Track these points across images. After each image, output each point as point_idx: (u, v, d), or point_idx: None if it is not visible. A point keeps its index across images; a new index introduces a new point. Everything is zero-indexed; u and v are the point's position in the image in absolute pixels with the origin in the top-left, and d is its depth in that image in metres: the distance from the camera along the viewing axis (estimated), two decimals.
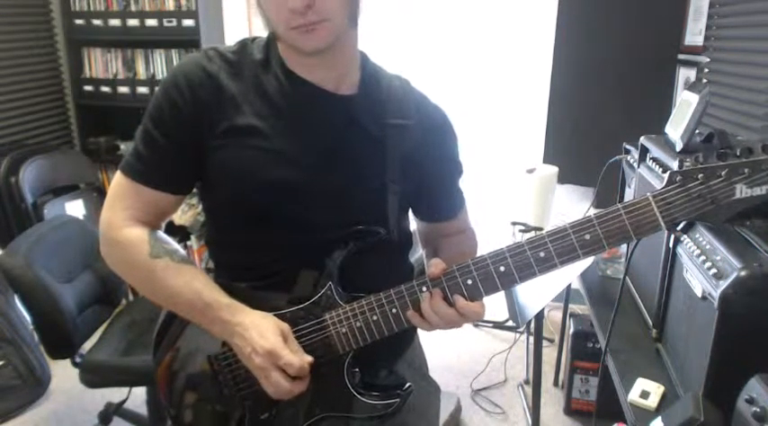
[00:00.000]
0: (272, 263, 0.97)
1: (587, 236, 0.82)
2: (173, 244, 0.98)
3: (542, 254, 0.84)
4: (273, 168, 0.92)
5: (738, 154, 0.77)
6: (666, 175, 0.80)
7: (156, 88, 0.95)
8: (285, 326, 0.92)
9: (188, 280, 0.93)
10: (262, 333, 0.89)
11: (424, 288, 0.90)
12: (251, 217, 0.95)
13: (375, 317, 0.92)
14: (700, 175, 0.78)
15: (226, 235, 1.02)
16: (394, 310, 0.91)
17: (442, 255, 0.99)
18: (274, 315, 0.94)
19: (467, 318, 0.90)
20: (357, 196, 0.96)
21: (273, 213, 0.94)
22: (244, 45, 0.97)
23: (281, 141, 0.92)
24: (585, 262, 1.84)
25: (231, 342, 0.93)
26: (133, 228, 0.96)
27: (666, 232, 0.84)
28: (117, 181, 0.98)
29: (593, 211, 0.83)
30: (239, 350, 0.92)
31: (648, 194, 0.81)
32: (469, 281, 0.88)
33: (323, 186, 0.94)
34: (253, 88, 0.93)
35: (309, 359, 0.91)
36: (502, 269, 0.86)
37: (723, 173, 0.77)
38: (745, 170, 0.77)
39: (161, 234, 0.99)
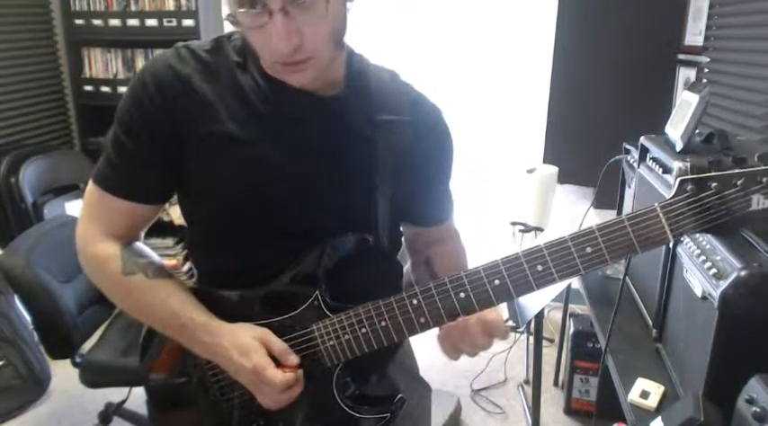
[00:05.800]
0: (258, 270, 0.92)
1: (588, 249, 0.76)
2: (148, 256, 0.93)
3: (540, 268, 0.78)
4: (256, 176, 0.87)
5: (757, 160, 0.72)
6: (676, 183, 0.73)
7: None
8: (262, 332, 0.87)
9: (163, 298, 0.89)
10: (242, 352, 0.85)
11: (415, 301, 0.84)
12: (234, 225, 0.91)
13: (364, 330, 0.87)
14: (713, 184, 0.71)
15: (208, 241, 0.97)
16: (383, 323, 0.86)
17: (437, 268, 0.95)
18: (261, 324, 0.89)
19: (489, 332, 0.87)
20: (345, 201, 0.91)
21: (258, 221, 0.90)
22: (220, 45, 0.90)
23: (262, 147, 0.87)
24: None
25: (215, 361, 0.90)
26: (104, 244, 0.90)
27: None
28: (88, 192, 0.91)
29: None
30: (225, 369, 0.89)
31: (656, 204, 0.74)
32: (462, 295, 0.82)
33: (308, 192, 0.89)
34: (230, 91, 0.87)
35: (295, 361, 0.87)
36: (497, 282, 0.80)
37: (739, 182, 0.71)
38: (764, 179, 0.71)
39: (136, 246, 0.94)
